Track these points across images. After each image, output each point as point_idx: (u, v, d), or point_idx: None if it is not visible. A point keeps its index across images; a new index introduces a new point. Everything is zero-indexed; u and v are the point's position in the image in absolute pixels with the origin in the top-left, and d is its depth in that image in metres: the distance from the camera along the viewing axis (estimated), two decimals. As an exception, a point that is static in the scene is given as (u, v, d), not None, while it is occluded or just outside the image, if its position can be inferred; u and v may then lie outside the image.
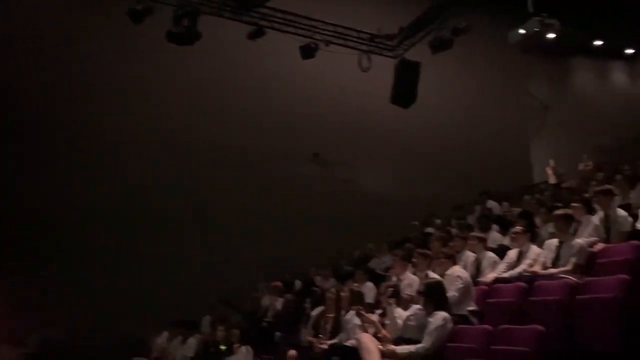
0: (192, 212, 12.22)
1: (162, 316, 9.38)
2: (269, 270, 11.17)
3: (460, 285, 5.43)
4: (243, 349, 6.89)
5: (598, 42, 19.52)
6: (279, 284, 10.06)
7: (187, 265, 11.58)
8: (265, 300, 10.06)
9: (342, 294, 6.11)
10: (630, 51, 20.68)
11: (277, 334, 8.44)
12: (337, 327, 5.93)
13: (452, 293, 5.33)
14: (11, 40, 11.33)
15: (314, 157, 13.87)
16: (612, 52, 20.44)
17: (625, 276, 4.42)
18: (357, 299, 5.69)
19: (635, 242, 5.05)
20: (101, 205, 11.35)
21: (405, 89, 10.29)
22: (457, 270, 5.76)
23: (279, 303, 9.49)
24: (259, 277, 10.96)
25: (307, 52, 10.47)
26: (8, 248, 10.12)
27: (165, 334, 8.83)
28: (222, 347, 6.91)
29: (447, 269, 5.72)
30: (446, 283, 5.45)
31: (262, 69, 13.56)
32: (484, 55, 16.19)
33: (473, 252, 6.63)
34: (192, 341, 8.08)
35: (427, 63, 10.05)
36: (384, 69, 10.41)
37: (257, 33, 10.12)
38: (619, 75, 20.91)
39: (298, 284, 10.81)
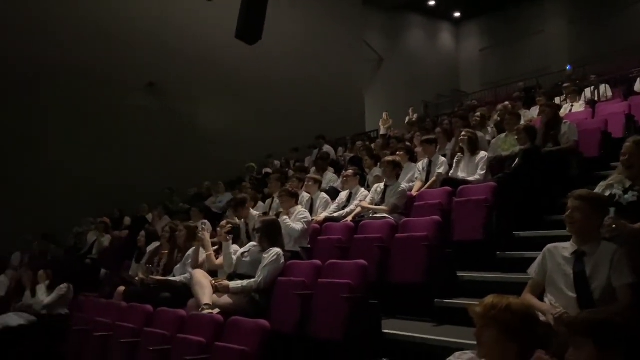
0: (12, 138, 10.85)
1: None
2: (96, 205, 10.49)
3: (305, 221, 5.71)
4: (63, 285, 6.46)
5: (431, 2, 20.98)
6: (106, 219, 9.57)
7: (4, 195, 10.38)
8: (91, 236, 9.53)
9: (179, 230, 5.98)
10: (457, 14, 22.58)
11: (103, 270, 8.08)
12: (171, 264, 5.84)
13: (300, 226, 5.61)
14: None
15: (149, 86, 13.01)
16: (442, 14, 22.14)
17: (437, 217, 4.98)
18: (192, 235, 5.62)
19: (447, 188, 5.68)
20: None
21: (251, 24, 10.05)
22: (300, 209, 6.03)
23: (106, 239, 9.07)
24: (85, 212, 10.26)
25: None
26: None
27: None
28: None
29: (290, 206, 5.91)
30: (292, 219, 5.68)
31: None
32: (329, 2, 16.47)
33: (308, 192, 6.95)
34: (4, 279, 7.38)
35: (275, 3, 9.85)
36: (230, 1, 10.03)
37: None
38: (445, 36, 22.81)
39: (127, 220, 10.37)
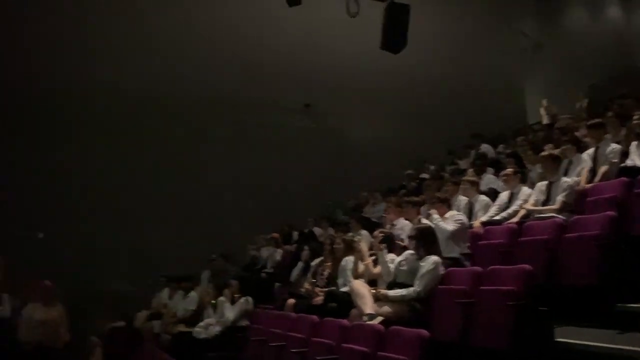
0: (186, 165, 12.21)
1: (158, 272, 9.59)
2: (264, 223, 11.28)
3: (459, 223, 5.54)
4: (243, 299, 7.05)
5: (593, -24, 19.05)
6: (276, 235, 10.21)
7: (185, 219, 11.67)
8: (264, 252, 10.23)
9: (337, 243, 6.20)
10: (625, -16, 20.19)
11: (277, 284, 8.63)
12: (334, 276, 6.06)
13: (451, 227, 5.46)
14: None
15: (305, 107, 13.74)
16: (606, -14, 19.96)
17: (612, 213, 4.48)
18: (349, 247, 5.77)
19: (623, 178, 5.09)
20: (90, 165, 11.29)
21: (395, 33, 10.07)
22: (455, 213, 5.88)
23: (278, 254, 9.65)
24: (255, 230, 11.10)
25: (293, -2, 10.17)
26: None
27: (166, 290, 9.02)
28: (213, 302, 7.14)
29: (445, 212, 5.79)
30: (445, 223, 5.55)
31: (250, 19, 13.22)
32: (475, -4, 15.87)
33: (466, 196, 6.70)
34: (194, 294, 8.26)
35: (414, 5, 9.79)
36: (372, 13, 10.18)
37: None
38: (613, 11, 20.45)
39: (295, 235, 10.95)
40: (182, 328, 7.39)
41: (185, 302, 8.10)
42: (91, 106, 11.60)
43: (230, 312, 6.82)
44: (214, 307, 7.24)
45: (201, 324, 7.25)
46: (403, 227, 6.09)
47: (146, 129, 11.94)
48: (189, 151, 12.32)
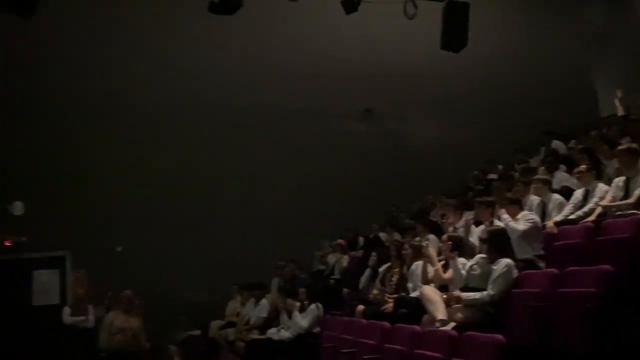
0: (251, 176, 12.47)
1: (229, 280, 9.84)
2: (328, 229, 11.33)
3: (531, 222, 5.38)
4: (313, 306, 7.12)
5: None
6: (342, 241, 10.22)
7: (252, 228, 11.93)
8: (331, 258, 10.27)
9: (404, 248, 6.15)
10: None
11: (345, 290, 8.64)
12: (402, 281, 6.01)
13: (522, 226, 5.33)
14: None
15: (366, 112, 13.71)
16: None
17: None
18: (418, 252, 5.71)
19: None
20: (157, 173, 11.77)
21: (455, 32, 9.91)
22: (526, 212, 5.72)
23: (344, 260, 9.67)
24: (320, 236, 11.18)
25: (350, 5, 10.19)
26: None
27: (238, 298, 9.23)
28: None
29: (516, 213, 5.62)
30: (516, 223, 5.42)
31: (307, 27, 13.37)
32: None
33: (538, 195, 6.47)
34: (265, 302, 8.41)
35: (473, 1, 9.57)
36: (430, 14, 10.04)
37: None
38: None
39: (361, 240, 10.93)
40: (255, 335, 7.56)
41: (257, 310, 8.27)
42: (175, 115, 12.16)
43: (301, 320, 6.91)
44: (289, 313, 7.37)
45: (275, 328, 7.41)
46: (471, 230, 5.95)
47: (217, 139, 12.36)
48: (252, 160, 12.59)
